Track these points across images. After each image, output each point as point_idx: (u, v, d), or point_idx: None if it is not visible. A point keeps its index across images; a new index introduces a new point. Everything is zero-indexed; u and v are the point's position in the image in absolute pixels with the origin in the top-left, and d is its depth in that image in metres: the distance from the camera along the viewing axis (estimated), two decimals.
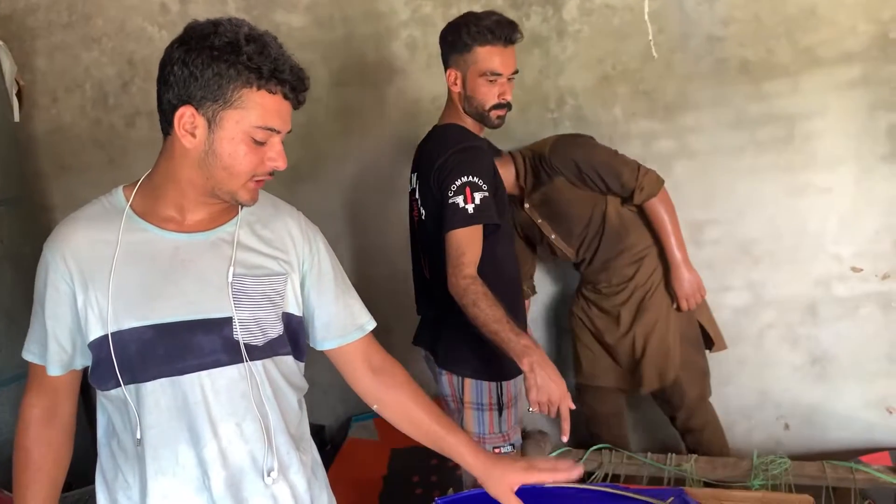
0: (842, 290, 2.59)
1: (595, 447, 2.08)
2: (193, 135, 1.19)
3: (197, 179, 1.23)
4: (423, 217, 2.06)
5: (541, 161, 2.41)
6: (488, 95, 1.99)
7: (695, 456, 2.03)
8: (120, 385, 1.23)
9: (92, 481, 1.38)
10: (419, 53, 2.83)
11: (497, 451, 2.01)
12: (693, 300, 2.44)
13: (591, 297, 2.55)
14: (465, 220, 1.88)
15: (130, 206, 1.27)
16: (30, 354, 1.31)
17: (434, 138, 2.08)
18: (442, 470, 2.56)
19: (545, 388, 1.71)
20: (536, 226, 2.51)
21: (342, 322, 1.41)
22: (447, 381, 2.04)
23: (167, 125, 1.23)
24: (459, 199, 1.88)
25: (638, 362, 2.47)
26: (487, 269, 1.90)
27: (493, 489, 1.36)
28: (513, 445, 2.05)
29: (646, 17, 2.59)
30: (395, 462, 2.70)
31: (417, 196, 2.08)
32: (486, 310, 1.80)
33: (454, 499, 1.64)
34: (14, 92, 2.95)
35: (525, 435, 2.15)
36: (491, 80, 1.98)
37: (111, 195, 1.31)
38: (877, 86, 2.45)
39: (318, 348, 1.44)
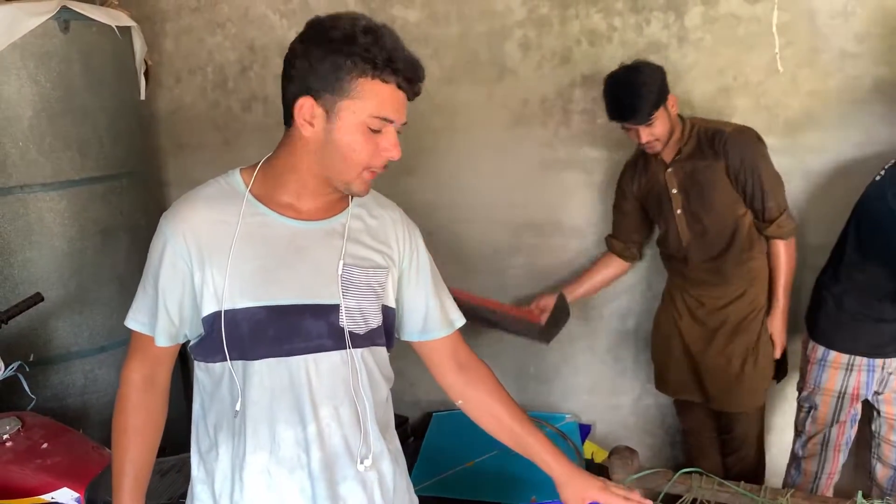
0: None
1: (683, 470, 2.00)
2: (312, 124, 1.23)
3: (315, 168, 1.27)
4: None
5: (713, 137, 2.35)
6: None
7: (791, 490, 1.92)
8: (226, 360, 1.27)
9: (187, 449, 1.43)
10: (532, 54, 2.80)
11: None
12: (782, 346, 2.47)
13: (689, 304, 2.51)
14: None
15: (250, 190, 1.30)
16: (137, 324, 1.34)
17: None
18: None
19: None
20: (667, 195, 2.43)
21: (435, 317, 1.45)
22: None
23: (289, 117, 1.26)
24: None
25: (729, 383, 2.46)
26: None
27: (568, 497, 1.43)
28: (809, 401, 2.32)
29: (773, 28, 2.48)
30: None
31: None
32: None
33: None
34: (142, 71, 3.11)
35: (613, 451, 2.09)
36: None
37: (228, 177, 1.34)
38: None
39: (408, 339, 1.48)
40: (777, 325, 2.44)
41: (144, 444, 1.37)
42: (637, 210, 2.60)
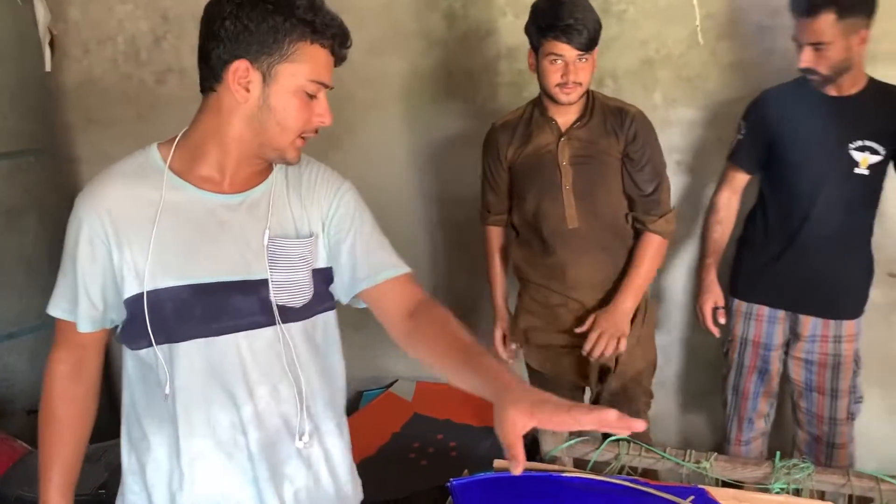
0: (877, 294, 2.49)
1: (611, 438, 2.04)
2: (248, 89, 1.19)
3: (246, 136, 1.22)
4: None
5: (619, 114, 2.15)
6: None
7: (714, 454, 1.98)
8: (152, 344, 1.21)
9: (107, 438, 1.38)
10: (458, 25, 2.77)
11: None
12: (603, 348, 2.18)
13: (559, 313, 2.28)
14: None
15: (169, 165, 1.25)
16: (58, 310, 1.29)
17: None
18: (442, 446, 2.64)
19: None
20: (555, 167, 2.16)
21: (374, 262, 1.32)
22: None
23: (214, 81, 1.20)
24: None
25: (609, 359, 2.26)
26: None
27: (497, 419, 1.02)
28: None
29: (694, 1, 2.51)
30: (411, 425, 2.79)
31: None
32: None
33: (469, 481, 1.61)
34: (46, 41, 2.94)
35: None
36: None
37: (145, 152, 1.28)
38: None
39: (352, 294, 1.34)
40: (612, 315, 2.17)
41: (73, 437, 1.32)
42: (507, 182, 2.29)
